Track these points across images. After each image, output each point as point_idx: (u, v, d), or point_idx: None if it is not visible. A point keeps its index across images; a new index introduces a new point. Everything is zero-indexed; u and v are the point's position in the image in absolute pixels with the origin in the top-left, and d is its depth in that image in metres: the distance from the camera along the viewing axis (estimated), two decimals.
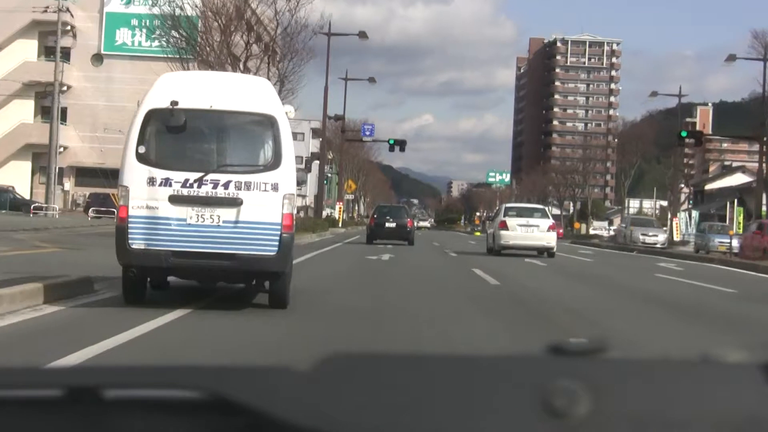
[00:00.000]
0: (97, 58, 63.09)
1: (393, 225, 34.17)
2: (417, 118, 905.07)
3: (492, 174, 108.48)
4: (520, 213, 27.43)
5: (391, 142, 57.65)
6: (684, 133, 43.68)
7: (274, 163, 9.06)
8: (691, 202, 73.32)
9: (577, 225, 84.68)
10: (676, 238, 48.24)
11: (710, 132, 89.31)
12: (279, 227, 8.95)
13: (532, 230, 26.15)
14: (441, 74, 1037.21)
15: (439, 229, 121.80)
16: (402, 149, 56.18)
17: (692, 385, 1.00)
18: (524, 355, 1.06)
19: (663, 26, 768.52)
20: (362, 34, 48.65)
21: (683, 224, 52.74)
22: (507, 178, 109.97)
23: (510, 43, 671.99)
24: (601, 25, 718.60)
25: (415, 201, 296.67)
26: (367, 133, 61.92)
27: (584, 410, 0.91)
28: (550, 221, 26.97)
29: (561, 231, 72.18)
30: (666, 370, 1.03)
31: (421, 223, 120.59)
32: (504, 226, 26.30)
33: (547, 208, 30.09)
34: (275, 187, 8.99)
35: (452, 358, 1.06)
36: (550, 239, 26.13)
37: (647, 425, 0.92)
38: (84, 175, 61.32)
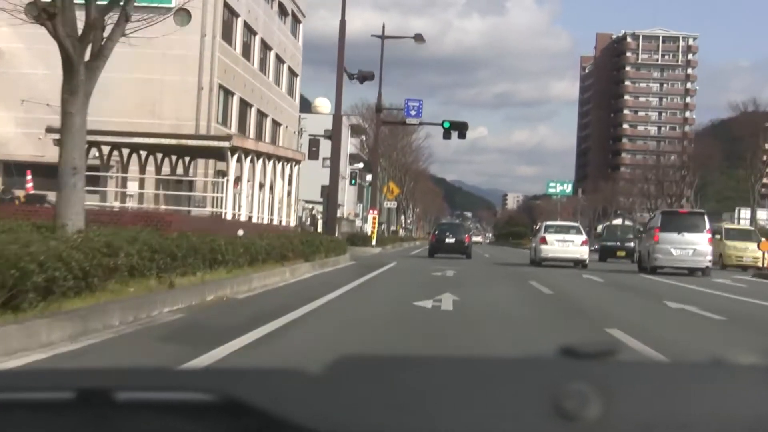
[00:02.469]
0: (34, 8, 45.14)
1: (452, 240, 38.03)
2: (471, 130, 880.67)
3: (552, 185, 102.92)
4: (558, 230, 32.18)
5: (446, 125, 40.35)
6: None
7: None
8: None
9: (765, 246, 53.24)
10: None
11: None
12: None
13: (567, 245, 31.09)
14: (495, 86, 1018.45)
15: (501, 244, 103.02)
16: (462, 135, 40.39)
17: (703, 387, 1.01)
18: (534, 357, 1.07)
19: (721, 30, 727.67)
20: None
21: None
22: (568, 188, 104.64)
23: (565, 54, 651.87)
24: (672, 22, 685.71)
25: (469, 214, 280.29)
26: (413, 112, 43.81)
27: (595, 413, 0.91)
28: (584, 237, 31.56)
29: None
30: (677, 372, 1.05)
31: (474, 239, 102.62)
32: (544, 241, 31.27)
33: (580, 226, 34.01)
34: None
35: (462, 360, 1.07)
36: (583, 252, 31.18)
37: (658, 428, 0.93)
38: (15, 172, 43.25)
